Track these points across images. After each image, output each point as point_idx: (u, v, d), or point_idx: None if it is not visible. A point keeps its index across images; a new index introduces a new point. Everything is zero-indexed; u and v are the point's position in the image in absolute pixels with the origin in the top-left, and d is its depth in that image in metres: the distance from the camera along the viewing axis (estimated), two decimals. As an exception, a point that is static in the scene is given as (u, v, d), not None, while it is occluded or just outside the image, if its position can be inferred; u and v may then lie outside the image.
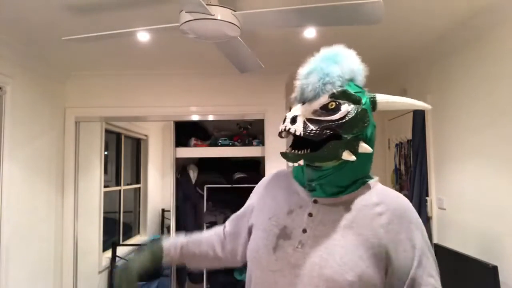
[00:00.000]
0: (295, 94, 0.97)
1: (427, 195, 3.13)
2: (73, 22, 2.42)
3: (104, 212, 4.14)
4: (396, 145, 3.87)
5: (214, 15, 1.76)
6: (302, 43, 2.85)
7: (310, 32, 2.63)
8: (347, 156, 0.91)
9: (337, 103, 0.91)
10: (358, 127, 0.92)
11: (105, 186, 4.23)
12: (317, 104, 0.92)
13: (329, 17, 1.84)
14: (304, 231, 0.93)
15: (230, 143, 4.00)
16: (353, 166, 0.95)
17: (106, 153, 4.28)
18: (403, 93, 3.64)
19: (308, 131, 0.89)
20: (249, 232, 1.07)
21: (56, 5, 2.21)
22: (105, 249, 4.13)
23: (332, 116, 0.90)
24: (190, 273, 4.08)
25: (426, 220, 3.12)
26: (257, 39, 2.71)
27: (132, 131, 4.78)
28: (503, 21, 2.20)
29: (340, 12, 1.77)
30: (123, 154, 4.75)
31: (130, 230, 4.73)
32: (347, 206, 0.94)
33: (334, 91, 0.93)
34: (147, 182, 5.01)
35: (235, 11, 1.81)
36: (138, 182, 5.14)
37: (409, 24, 2.54)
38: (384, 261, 0.89)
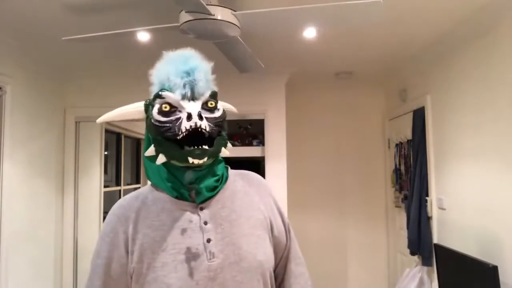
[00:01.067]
0: (182, 91, 0.92)
1: (427, 195, 3.13)
2: (73, 22, 2.42)
3: (104, 212, 4.13)
4: (396, 145, 3.86)
5: (214, 15, 1.76)
6: (302, 43, 2.85)
7: (310, 32, 2.63)
8: (225, 152, 0.98)
9: (215, 102, 0.96)
10: (226, 126, 0.98)
11: (105, 186, 4.23)
12: (201, 102, 0.94)
13: (329, 17, 1.84)
14: (208, 240, 0.92)
15: (230, 143, 3.99)
16: (219, 162, 1.01)
17: (106, 153, 4.29)
18: (403, 93, 3.64)
19: (209, 129, 0.91)
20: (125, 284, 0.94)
21: (56, 5, 2.21)
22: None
23: (214, 114, 0.94)
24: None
25: (426, 220, 3.12)
26: (257, 39, 2.71)
27: (132, 131, 4.78)
28: (502, 20, 2.20)
29: (340, 12, 1.77)
30: (123, 154, 4.75)
31: (130, 230, 4.73)
32: (226, 199, 0.99)
33: (214, 90, 0.98)
34: (147, 182, 5.00)
35: (235, 11, 1.81)
36: (138, 182, 5.15)
37: (409, 24, 2.54)
38: (270, 230, 1.02)
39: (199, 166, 0.92)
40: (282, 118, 3.65)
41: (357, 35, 2.75)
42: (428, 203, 3.10)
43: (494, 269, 2.01)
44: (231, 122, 4.26)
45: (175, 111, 0.91)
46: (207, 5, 1.71)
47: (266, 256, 0.97)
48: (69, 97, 3.66)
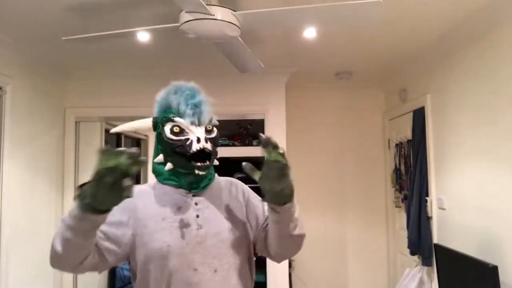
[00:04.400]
0: (191, 119, 1.23)
1: (427, 195, 3.13)
2: (73, 22, 2.42)
3: (104, 212, 4.13)
4: (396, 145, 3.87)
5: (214, 15, 1.76)
6: (302, 43, 2.85)
7: (310, 32, 2.63)
8: (215, 162, 1.31)
9: (212, 125, 1.29)
10: (218, 142, 1.32)
11: (105, 186, 4.22)
12: (203, 127, 1.26)
13: (329, 17, 1.84)
14: (197, 216, 1.25)
15: (230, 143, 3.99)
16: (211, 168, 1.34)
17: (106, 153, 4.28)
18: (403, 93, 3.64)
19: (211, 148, 1.24)
20: (131, 241, 1.22)
21: (56, 5, 2.21)
22: (105, 249, 4.13)
23: (212, 135, 1.27)
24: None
25: (426, 220, 3.12)
26: (257, 39, 2.71)
27: (132, 131, 4.77)
28: (502, 20, 2.20)
29: (340, 12, 1.77)
30: (123, 154, 4.74)
31: (130, 230, 4.73)
32: (213, 192, 1.33)
33: (212, 117, 1.30)
34: (147, 182, 5.00)
35: (235, 11, 1.82)
36: (138, 182, 5.14)
37: (409, 24, 2.54)
38: (244, 212, 1.34)
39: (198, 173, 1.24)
40: (282, 118, 3.65)
41: (357, 35, 2.75)
42: (428, 203, 3.10)
43: (494, 269, 2.01)
44: (231, 122, 4.27)
45: (183, 132, 1.22)
46: (207, 5, 1.71)
47: (241, 232, 1.28)
48: (69, 97, 3.66)
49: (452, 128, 2.76)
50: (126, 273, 4.24)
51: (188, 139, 1.21)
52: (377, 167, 4.24)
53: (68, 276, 3.53)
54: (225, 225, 1.27)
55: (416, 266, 3.25)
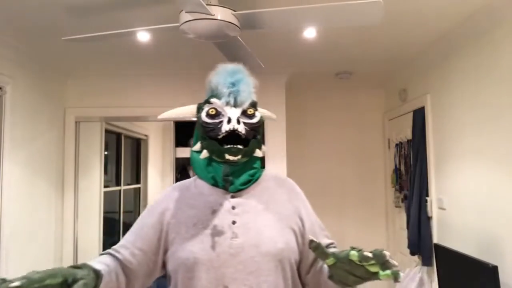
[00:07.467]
0: (226, 99, 1.11)
1: (427, 195, 3.13)
2: (73, 22, 2.42)
3: (104, 212, 4.13)
4: (396, 145, 3.87)
5: (214, 15, 1.76)
6: (302, 43, 2.85)
7: (310, 32, 2.63)
8: (258, 153, 1.15)
9: (254, 110, 1.14)
10: (261, 131, 1.17)
11: (105, 186, 4.23)
12: (241, 109, 1.11)
13: (329, 17, 1.84)
14: (234, 222, 1.09)
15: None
16: (254, 161, 1.18)
17: (106, 153, 4.28)
18: (403, 93, 3.64)
19: (245, 132, 1.08)
20: (165, 247, 1.13)
21: (56, 5, 2.21)
22: (105, 249, 4.12)
23: (252, 120, 1.12)
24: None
25: (426, 220, 3.12)
26: (257, 39, 2.71)
27: (132, 131, 4.77)
28: (501, 21, 2.20)
29: (340, 12, 1.77)
30: (123, 154, 4.75)
31: (130, 230, 4.72)
32: (257, 193, 1.16)
33: (254, 100, 1.15)
34: (147, 182, 5.00)
35: (235, 11, 1.81)
36: (138, 182, 5.14)
37: (409, 24, 2.54)
38: (298, 225, 1.15)
39: (234, 162, 1.08)
40: (282, 118, 3.65)
41: (357, 35, 2.75)
42: (428, 203, 3.10)
43: (494, 269, 2.01)
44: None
45: (219, 114, 1.10)
46: (207, 5, 1.71)
47: (287, 245, 1.09)
48: (69, 97, 3.66)
49: (452, 128, 2.76)
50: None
51: (221, 121, 1.09)
52: (377, 167, 4.24)
53: (68, 276, 3.53)
54: (267, 235, 1.08)
55: (416, 266, 3.25)
